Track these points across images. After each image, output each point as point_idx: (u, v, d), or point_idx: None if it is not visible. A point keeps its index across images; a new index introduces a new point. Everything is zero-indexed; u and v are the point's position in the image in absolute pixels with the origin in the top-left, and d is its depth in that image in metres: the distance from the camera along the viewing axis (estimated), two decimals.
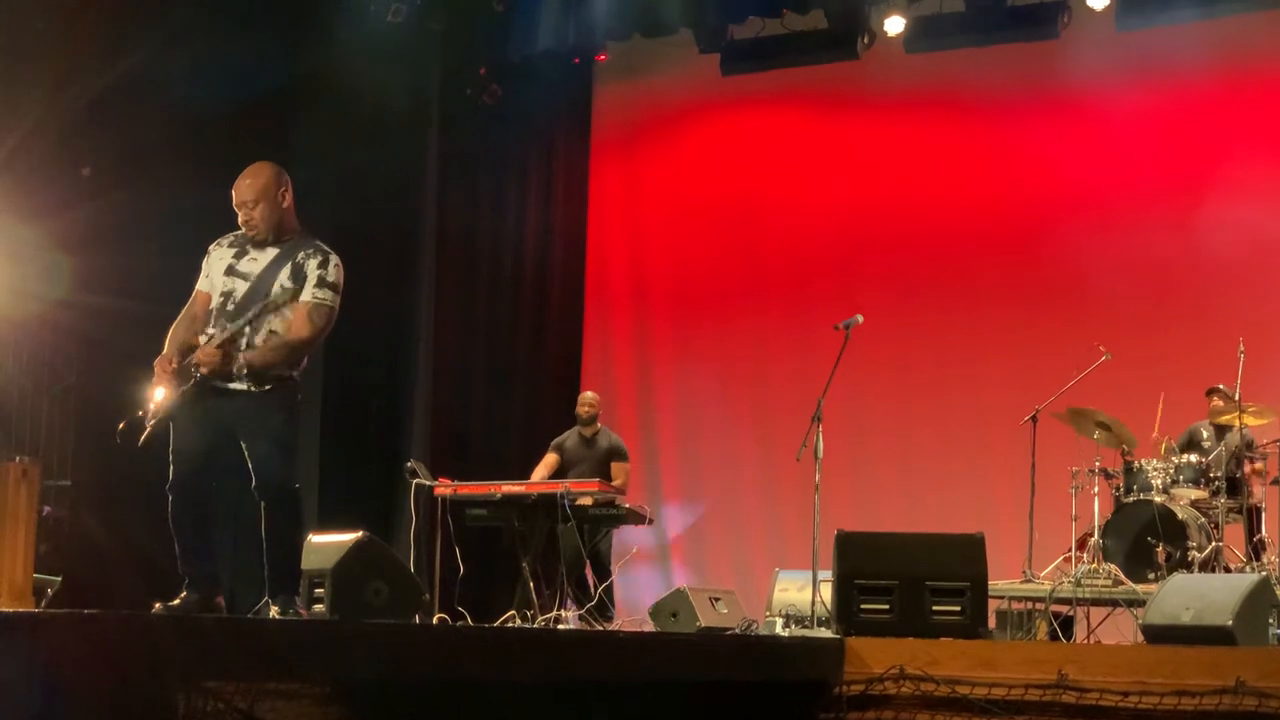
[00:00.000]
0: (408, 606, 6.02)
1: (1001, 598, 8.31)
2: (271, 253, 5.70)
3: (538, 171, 12.69)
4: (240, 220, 5.75)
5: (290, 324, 5.61)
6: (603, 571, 9.35)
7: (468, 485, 9.01)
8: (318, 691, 4.43)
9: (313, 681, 4.36)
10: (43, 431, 9.52)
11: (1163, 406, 9.15)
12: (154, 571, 6.69)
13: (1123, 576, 8.17)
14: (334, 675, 4.38)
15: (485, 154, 12.46)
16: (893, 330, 10.86)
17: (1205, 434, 9.09)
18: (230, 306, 5.65)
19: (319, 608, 5.90)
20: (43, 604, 7.96)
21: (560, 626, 8.11)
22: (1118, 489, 8.81)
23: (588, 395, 10.15)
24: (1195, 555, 8.25)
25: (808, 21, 11.27)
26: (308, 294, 5.64)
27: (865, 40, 11.13)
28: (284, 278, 5.64)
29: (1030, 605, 8.35)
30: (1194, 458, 8.73)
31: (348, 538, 6.09)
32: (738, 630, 8.19)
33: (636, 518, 9.15)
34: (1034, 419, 8.94)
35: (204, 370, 5.52)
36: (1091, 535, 8.68)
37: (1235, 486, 8.57)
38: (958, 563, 6.46)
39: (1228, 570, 8.16)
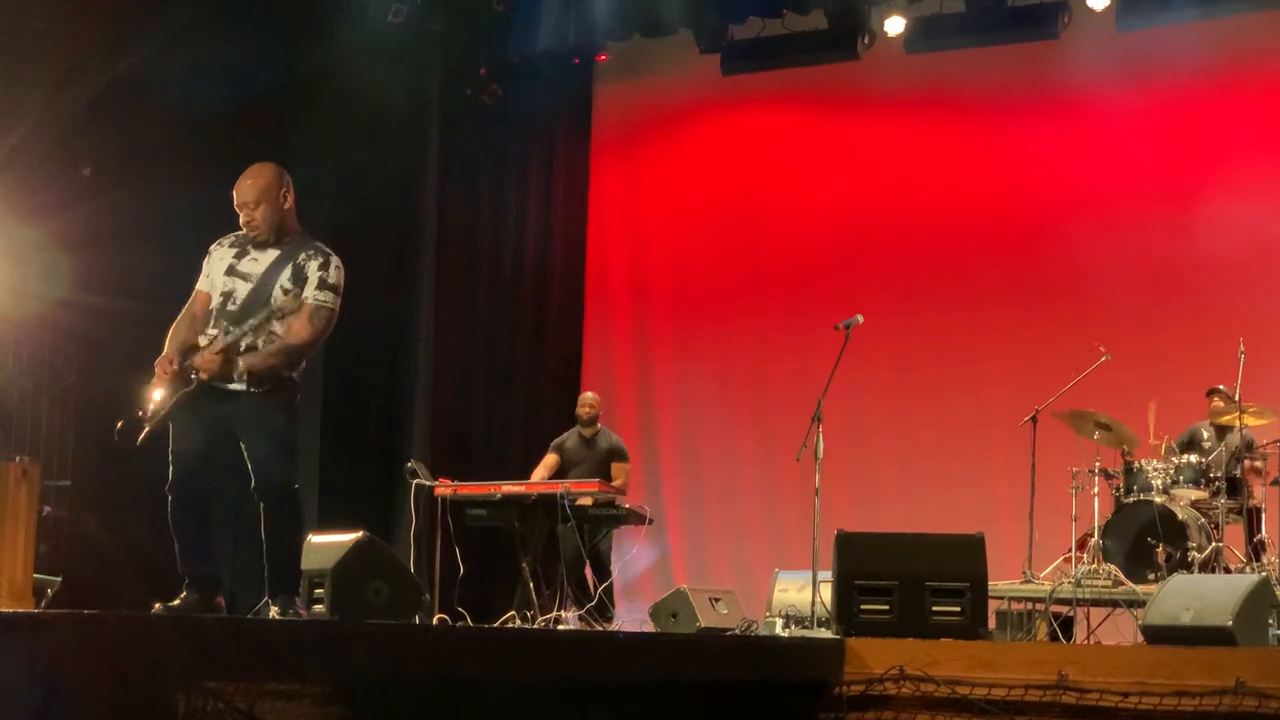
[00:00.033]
0: (408, 607, 6.03)
1: (1001, 598, 8.31)
2: (273, 254, 5.70)
3: (538, 171, 12.69)
4: (241, 221, 5.75)
5: (291, 326, 5.61)
6: (603, 572, 9.35)
7: (468, 485, 9.01)
8: (318, 691, 4.43)
9: (313, 681, 4.36)
10: (43, 431, 9.52)
11: (1154, 414, 9.15)
12: (154, 571, 6.69)
13: (1123, 577, 8.17)
14: (334, 675, 4.38)
15: (485, 154, 12.46)
16: (893, 330, 10.86)
17: (1206, 434, 9.09)
18: (230, 307, 5.65)
19: (319, 608, 5.90)
20: (43, 604, 7.96)
21: (560, 627, 8.11)
22: (1118, 489, 8.81)
23: (588, 396, 10.14)
24: (1195, 556, 8.25)
25: (808, 22, 11.27)
26: (308, 296, 5.64)
27: (865, 40, 11.13)
28: (285, 279, 5.64)
29: (1030, 606, 8.35)
30: (1194, 458, 8.73)
31: (348, 538, 6.09)
32: (738, 630, 8.20)
33: (636, 518, 9.15)
34: (1034, 419, 8.94)
35: (203, 376, 5.52)
36: (1091, 536, 8.68)
37: (1235, 487, 8.56)
38: (958, 563, 6.46)
39: (1228, 571, 8.16)
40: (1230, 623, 5.71)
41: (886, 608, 6.37)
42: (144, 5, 9.69)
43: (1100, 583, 8.18)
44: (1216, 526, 8.43)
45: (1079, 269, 10.83)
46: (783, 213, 11.93)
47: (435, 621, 7.47)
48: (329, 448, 11.20)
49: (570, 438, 9.92)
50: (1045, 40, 10.79)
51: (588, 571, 9.29)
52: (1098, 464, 8.83)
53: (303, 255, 5.68)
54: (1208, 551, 8.28)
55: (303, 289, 5.63)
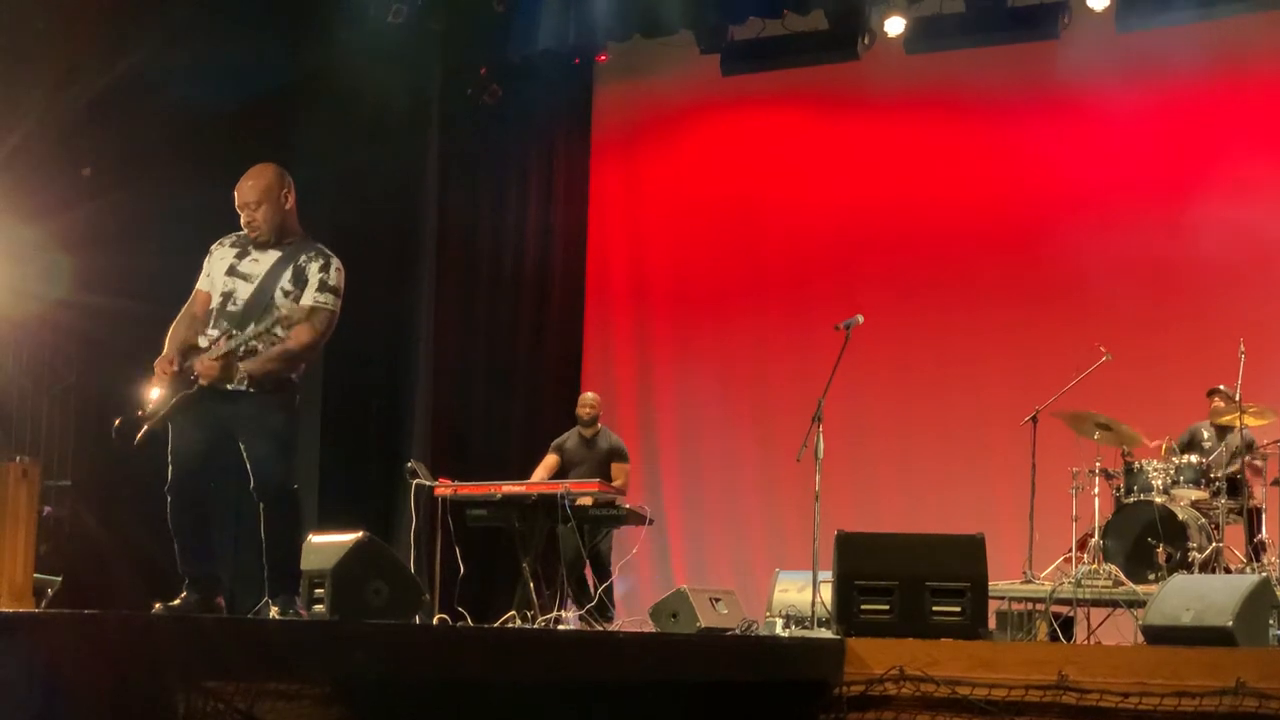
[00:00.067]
0: (408, 607, 6.02)
1: (1002, 598, 8.31)
2: (273, 255, 5.70)
3: (538, 171, 12.69)
4: (243, 221, 5.75)
5: (291, 328, 5.60)
6: (603, 572, 9.35)
7: (468, 485, 9.01)
8: (318, 692, 4.42)
9: (313, 682, 4.36)
10: (43, 431, 9.52)
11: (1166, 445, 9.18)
12: (154, 571, 6.70)
13: (1123, 577, 8.17)
14: (334, 675, 4.37)
15: (485, 154, 12.46)
16: (893, 330, 10.86)
17: (1206, 434, 9.09)
18: (231, 307, 5.65)
19: (319, 608, 5.90)
20: (43, 604, 7.95)
21: (560, 627, 8.11)
22: (1118, 489, 8.81)
23: (588, 396, 10.14)
24: (1195, 556, 8.24)
25: (808, 22, 11.27)
26: (308, 298, 5.64)
27: (865, 41, 11.13)
28: (285, 281, 5.64)
29: (1030, 606, 8.35)
30: (1194, 458, 8.73)
31: (348, 538, 6.08)
32: (738, 631, 8.20)
33: (636, 518, 9.15)
34: (1034, 419, 8.94)
35: (203, 382, 5.52)
36: (1092, 536, 8.68)
37: (1236, 487, 8.56)
38: (958, 563, 6.46)
39: (1228, 571, 8.16)
40: (1230, 623, 5.71)
41: (887, 608, 6.36)
42: (144, 5, 9.69)
43: (1100, 583, 8.18)
44: (1217, 527, 8.43)
45: (1079, 269, 10.83)
46: (783, 213, 11.93)
47: (435, 621, 7.47)
48: (329, 448, 11.20)
49: (570, 438, 9.92)
50: (1045, 41, 10.79)
51: (588, 572, 9.29)
52: (1098, 464, 8.83)
53: (304, 257, 5.68)
54: (1208, 552, 8.28)
55: (303, 291, 5.63)
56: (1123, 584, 8.12)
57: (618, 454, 9.84)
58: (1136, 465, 8.76)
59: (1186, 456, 8.77)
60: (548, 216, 12.60)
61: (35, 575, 7.90)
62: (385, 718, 4.71)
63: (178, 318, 5.77)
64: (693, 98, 12.27)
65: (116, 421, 5.57)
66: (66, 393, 9.61)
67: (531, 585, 8.54)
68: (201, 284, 5.80)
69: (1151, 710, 5.36)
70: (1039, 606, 8.22)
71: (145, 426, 5.57)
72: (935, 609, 6.33)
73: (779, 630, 8.07)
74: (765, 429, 11.53)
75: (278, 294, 5.62)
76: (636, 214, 12.50)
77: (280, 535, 5.65)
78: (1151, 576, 8.19)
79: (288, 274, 5.65)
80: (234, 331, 5.56)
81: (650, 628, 8.15)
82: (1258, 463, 8.75)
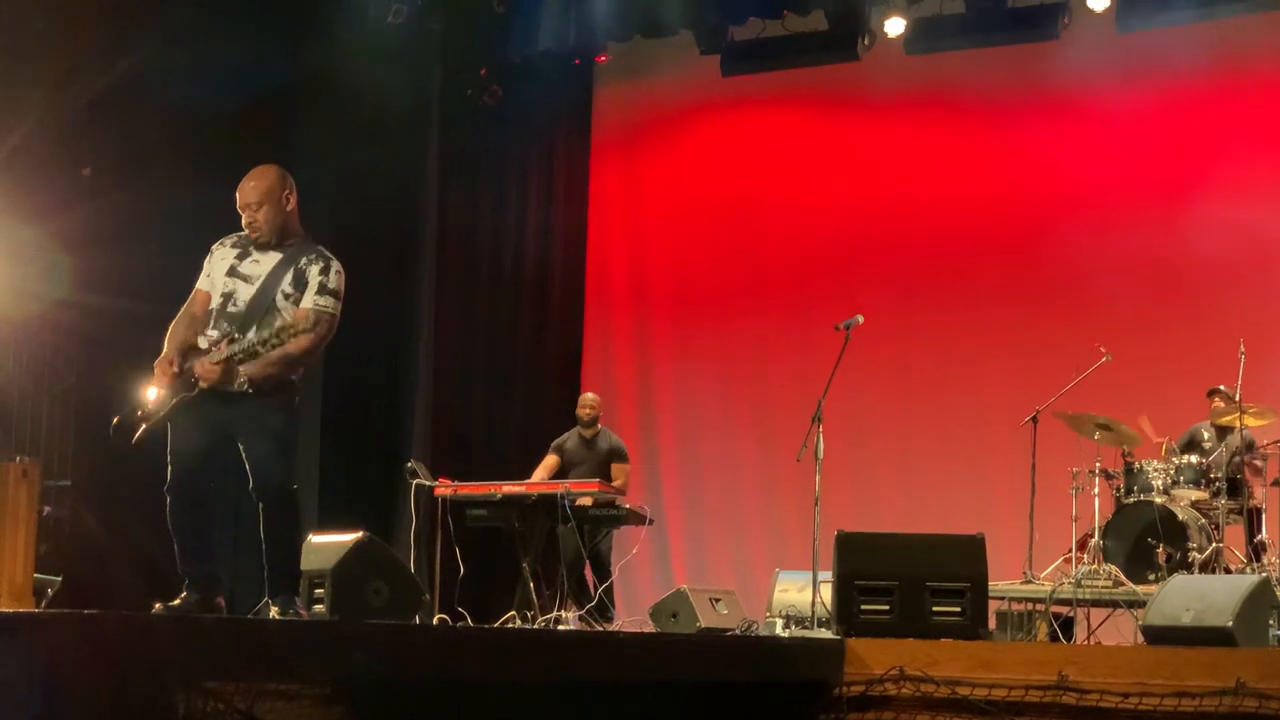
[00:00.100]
0: (408, 607, 6.02)
1: (1002, 598, 8.31)
2: (275, 256, 5.69)
3: (538, 172, 12.69)
4: (244, 222, 5.74)
5: (294, 337, 5.59)
6: (603, 572, 9.35)
7: (468, 486, 9.01)
8: (318, 692, 4.42)
9: (313, 682, 4.36)
10: (43, 431, 9.52)
11: (1148, 425, 9.16)
12: (154, 571, 6.70)
13: (1123, 577, 8.17)
14: (334, 676, 4.37)
15: (486, 154, 12.46)
16: (893, 330, 10.86)
17: (1206, 435, 9.09)
18: (231, 308, 5.65)
19: (319, 608, 5.90)
20: (43, 604, 7.95)
21: (560, 627, 8.11)
22: (1118, 490, 8.81)
23: (588, 397, 10.14)
24: (1195, 556, 8.25)
25: (808, 23, 11.27)
26: (308, 301, 5.63)
27: (865, 41, 11.13)
28: (286, 283, 5.63)
29: (1030, 606, 8.35)
30: (1194, 459, 8.73)
31: (348, 538, 6.08)
32: (738, 631, 8.19)
33: (637, 518, 9.15)
34: (1034, 419, 8.94)
35: (204, 385, 5.52)
36: (1092, 536, 8.68)
37: (1236, 488, 8.56)
38: (958, 563, 6.46)
39: (1228, 571, 8.16)
40: (1230, 623, 5.71)
41: (887, 608, 6.36)
42: (144, 5, 9.69)
43: (1100, 583, 8.18)
44: (1217, 527, 8.43)
45: (1079, 269, 10.83)
46: (783, 213, 11.93)
47: (435, 622, 7.47)
48: (329, 448, 11.20)
49: (570, 438, 9.92)
50: (1045, 41, 10.80)
51: (588, 572, 9.29)
52: (1098, 464, 8.83)
53: (304, 259, 5.68)
54: (1208, 552, 8.28)
55: (303, 294, 5.63)
56: (1123, 584, 8.12)
57: (618, 454, 9.84)
58: (1136, 465, 8.76)
59: (1186, 457, 8.77)
60: (548, 217, 12.60)
61: (35, 575, 7.89)
62: (385, 718, 4.71)
63: (177, 317, 5.76)
64: (693, 98, 12.27)
65: (115, 420, 5.57)
66: (66, 393, 9.61)
67: (531, 585, 8.54)
68: (201, 284, 5.79)
69: (1151, 710, 5.36)
70: (1039, 607, 8.22)
71: (144, 426, 5.57)
72: (935, 609, 6.33)
73: (779, 630, 8.07)
74: (765, 429, 11.52)
75: (279, 296, 5.61)
76: (636, 214, 12.50)
77: (280, 535, 5.65)
78: (1151, 577, 8.19)
79: (288, 276, 5.65)
80: (235, 335, 5.55)
81: (650, 628, 8.15)
82: (1258, 463, 8.75)
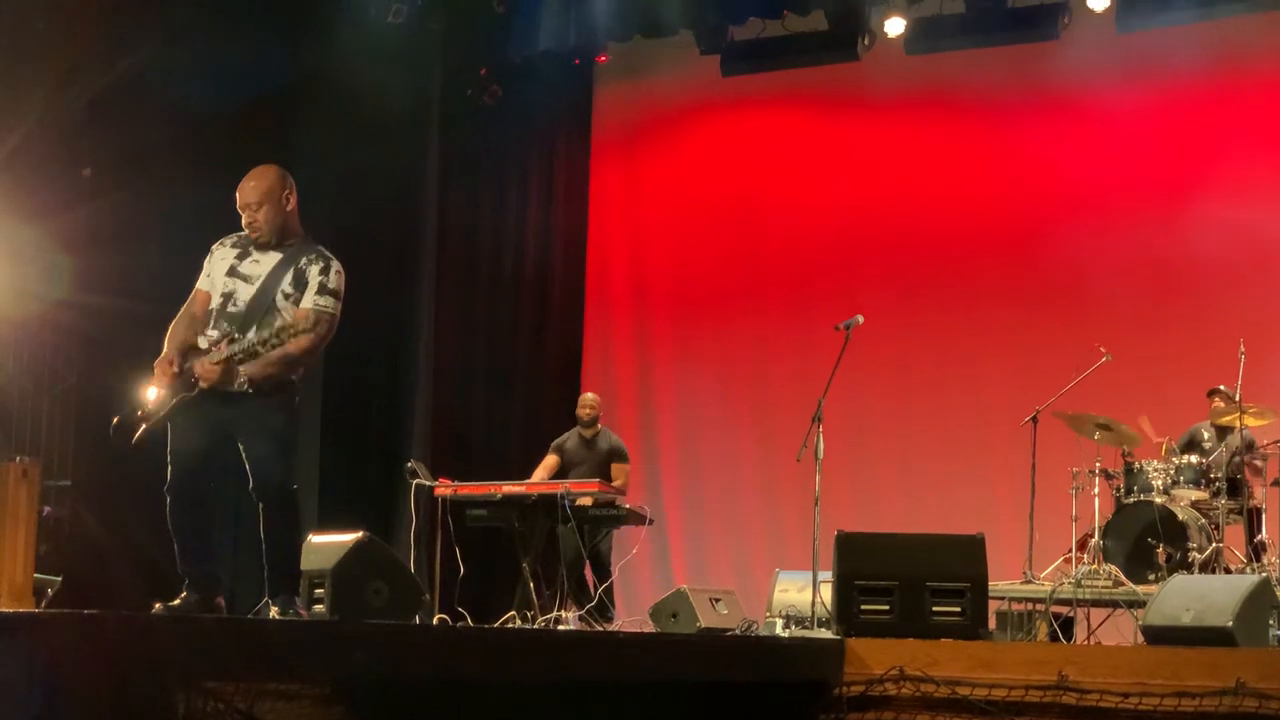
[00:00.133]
0: (408, 607, 6.02)
1: (1002, 599, 8.31)
2: (275, 257, 5.69)
3: (538, 172, 12.69)
4: (244, 222, 5.74)
5: (294, 337, 5.59)
6: (603, 572, 9.35)
7: (468, 486, 9.01)
8: (318, 692, 4.42)
9: (313, 682, 4.36)
10: (43, 431, 9.52)
11: (1148, 425, 9.16)
12: (154, 571, 6.69)
13: (1123, 577, 8.17)
14: (334, 676, 4.37)
15: (486, 154, 12.47)
16: (893, 331, 10.86)
17: (1206, 435, 9.09)
18: (231, 308, 5.64)
19: (319, 608, 5.90)
20: (43, 604, 7.95)
21: (560, 627, 8.11)
22: (1118, 490, 8.81)
23: (588, 397, 10.14)
24: (1195, 556, 8.25)
25: (808, 23, 11.27)
26: (308, 301, 5.63)
27: (865, 41, 11.13)
28: (286, 284, 5.63)
29: (1030, 606, 8.35)
30: (1194, 459, 8.73)
31: (348, 538, 6.08)
32: (738, 631, 8.20)
33: (637, 518, 9.15)
34: (1034, 419, 8.94)
35: (204, 385, 5.52)
36: (1092, 536, 8.68)
37: (1236, 488, 8.56)
38: (958, 563, 6.46)
39: (1228, 571, 8.16)
40: (1230, 623, 5.71)
41: (887, 608, 6.36)
42: (144, 5, 9.70)
43: (1100, 583, 8.18)
44: (1217, 527, 8.43)
45: (1079, 269, 10.83)
46: (783, 213, 11.93)
47: (435, 622, 7.47)
48: (329, 448, 11.20)
49: (570, 439, 9.92)
50: (1045, 41, 10.80)
51: (588, 572, 9.29)
52: (1098, 464, 8.83)
53: (304, 259, 5.68)
54: (1208, 552, 8.28)
55: (303, 294, 5.63)
56: (1123, 584, 8.12)
57: (618, 454, 9.84)
58: (1136, 465, 8.76)
59: (1186, 457, 8.77)
60: (548, 217, 12.60)
61: (35, 575, 7.89)
62: (385, 718, 4.71)
63: (177, 317, 5.76)
64: (693, 98, 12.27)
65: (114, 420, 5.57)
66: (67, 393, 9.61)
67: (531, 585, 8.54)
68: (201, 283, 5.79)
69: (1151, 710, 5.36)
70: (1039, 607, 8.22)
71: (144, 426, 5.57)
72: (935, 609, 6.33)
73: (779, 630, 8.07)
74: (765, 429, 11.52)
75: (279, 296, 5.61)
76: (636, 214, 12.50)
77: (280, 535, 5.65)
78: (1151, 577, 8.19)
79: (288, 276, 5.65)
80: (235, 335, 5.55)
81: (650, 628, 8.15)
82: (1258, 463, 8.75)
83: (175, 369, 5.55)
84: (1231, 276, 10.34)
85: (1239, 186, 10.20)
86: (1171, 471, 8.66)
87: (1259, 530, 8.62)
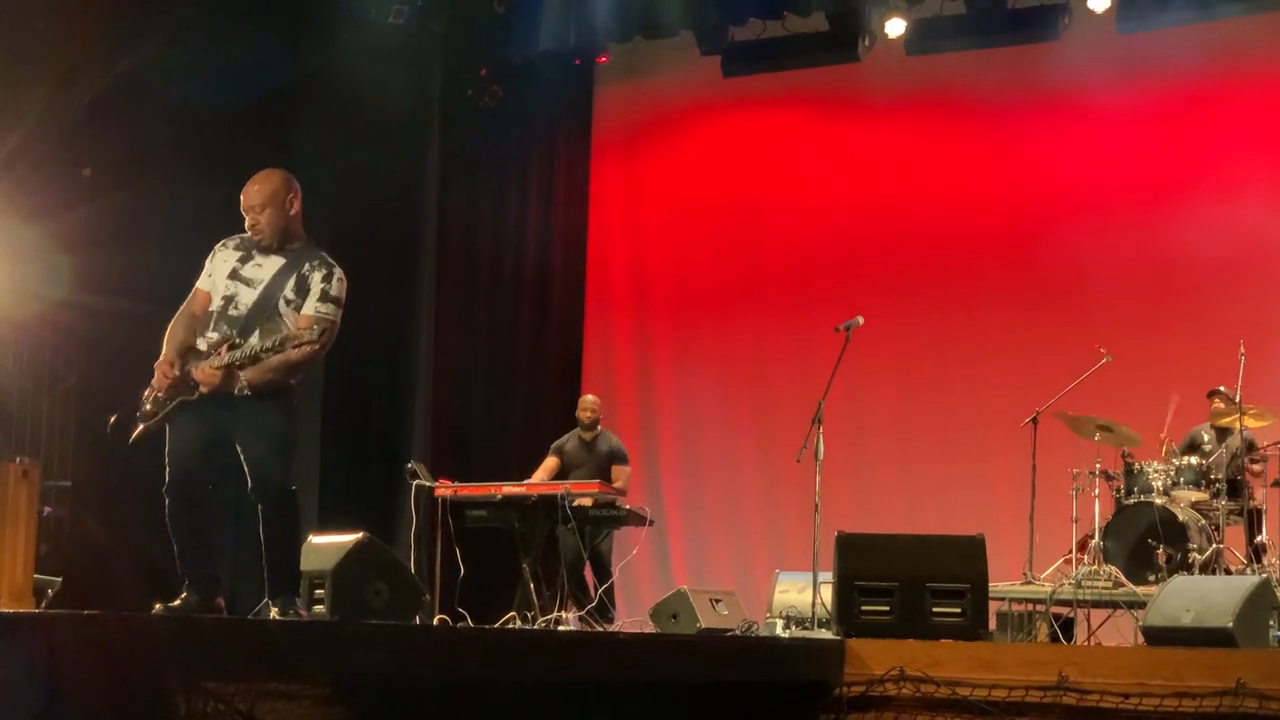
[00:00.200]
0: (408, 607, 6.03)
1: (1002, 599, 8.30)
2: (277, 261, 5.68)
3: (538, 172, 12.69)
4: (246, 224, 5.73)
5: (297, 347, 5.58)
6: (603, 573, 9.35)
7: (468, 486, 9.01)
8: (318, 692, 4.42)
9: (313, 682, 4.36)
10: (43, 431, 9.52)
11: (1174, 410, 9.15)
12: (154, 572, 6.69)
13: (1123, 578, 8.17)
14: (334, 676, 4.37)
15: (486, 155, 12.46)
16: (893, 331, 10.85)
17: (1206, 437, 9.09)
18: (232, 311, 5.63)
19: (319, 608, 5.90)
20: (43, 604, 7.95)
21: (560, 628, 8.11)
22: (1118, 491, 8.81)
23: (589, 399, 10.13)
24: (1196, 557, 8.24)
25: (808, 23, 11.27)
26: (310, 307, 5.62)
27: (866, 42, 11.13)
28: (288, 290, 5.62)
29: (1031, 607, 8.35)
30: (1195, 460, 8.73)
31: (348, 539, 6.09)
32: (738, 631, 8.19)
33: (637, 519, 9.14)
34: (1034, 421, 8.94)
35: (204, 389, 5.52)
36: (1092, 537, 8.68)
37: (1236, 489, 8.56)
38: (958, 564, 6.46)
39: (1228, 572, 8.16)
40: (1231, 624, 5.71)
41: (887, 609, 6.37)
42: (144, 5, 9.70)
43: (1101, 584, 8.18)
44: (1217, 528, 8.43)
45: (1079, 269, 10.83)
46: (783, 214, 11.93)
47: (436, 622, 7.47)
48: (329, 448, 11.21)
49: (570, 440, 9.91)
50: (1045, 42, 10.80)
51: (588, 572, 9.29)
52: (1098, 465, 8.83)
53: (307, 265, 5.66)
54: (1208, 553, 8.28)
55: (305, 300, 5.62)
56: (1123, 585, 8.12)
57: (618, 456, 9.84)
58: (1137, 467, 8.76)
59: (1186, 458, 8.77)
60: (548, 217, 12.60)
61: (35, 575, 7.89)
62: (385, 718, 4.71)
63: (176, 316, 5.75)
64: (693, 99, 12.27)
65: (112, 419, 5.57)
66: (67, 393, 9.61)
67: (532, 586, 8.54)
68: (202, 283, 5.78)
69: (1152, 711, 5.36)
70: (1039, 607, 8.22)
71: (142, 427, 5.56)
72: (935, 610, 6.34)
73: (779, 631, 8.07)
74: (765, 430, 11.52)
75: (280, 302, 5.60)
76: (636, 214, 12.50)
77: (279, 536, 5.64)
78: (1152, 578, 8.19)
79: (291, 282, 5.63)
80: (236, 339, 5.54)
81: (650, 628, 8.15)
82: (1255, 467, 8.75)
83: (175, 371, 5.55)
84: (1231, 276, 10.33)
85: (1239, 187, 10.20)
86: (1171, 473, 8.66)
87: (1259, 531, 8.62)
